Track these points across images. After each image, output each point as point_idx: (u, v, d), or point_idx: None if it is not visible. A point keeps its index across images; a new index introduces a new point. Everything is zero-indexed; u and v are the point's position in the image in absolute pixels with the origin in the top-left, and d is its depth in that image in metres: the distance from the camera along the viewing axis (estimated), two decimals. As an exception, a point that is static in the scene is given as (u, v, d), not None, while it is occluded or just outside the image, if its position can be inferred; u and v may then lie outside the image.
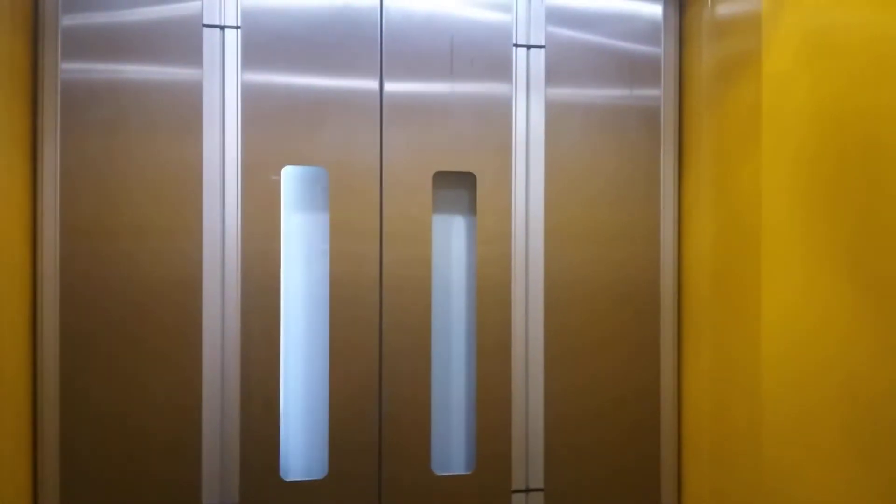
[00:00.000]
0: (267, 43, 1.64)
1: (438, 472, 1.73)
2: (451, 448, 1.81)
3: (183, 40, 1.61)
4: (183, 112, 1.61)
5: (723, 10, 1.66)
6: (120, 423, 1.58)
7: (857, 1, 1.32)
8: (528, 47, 1.78)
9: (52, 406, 1.57)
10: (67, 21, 1.56)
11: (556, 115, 1.77)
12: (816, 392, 1.36)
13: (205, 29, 1.63)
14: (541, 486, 1.77)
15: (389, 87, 1.69)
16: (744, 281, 1.55)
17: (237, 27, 1.65)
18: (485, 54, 1.72)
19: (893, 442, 1.23)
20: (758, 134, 1.49)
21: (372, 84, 1.68)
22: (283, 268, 1.67)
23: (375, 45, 1.68)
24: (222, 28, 1.65)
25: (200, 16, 1.62)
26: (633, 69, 1.79)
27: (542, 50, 1.77)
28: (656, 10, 1.80)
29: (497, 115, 1.74)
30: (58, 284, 1.56)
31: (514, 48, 1.76)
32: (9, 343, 1.47)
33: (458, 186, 1.78)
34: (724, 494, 1.64)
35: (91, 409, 1.57)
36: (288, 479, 1.67)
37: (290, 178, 1.72)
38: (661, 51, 1.81)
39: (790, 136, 1.41)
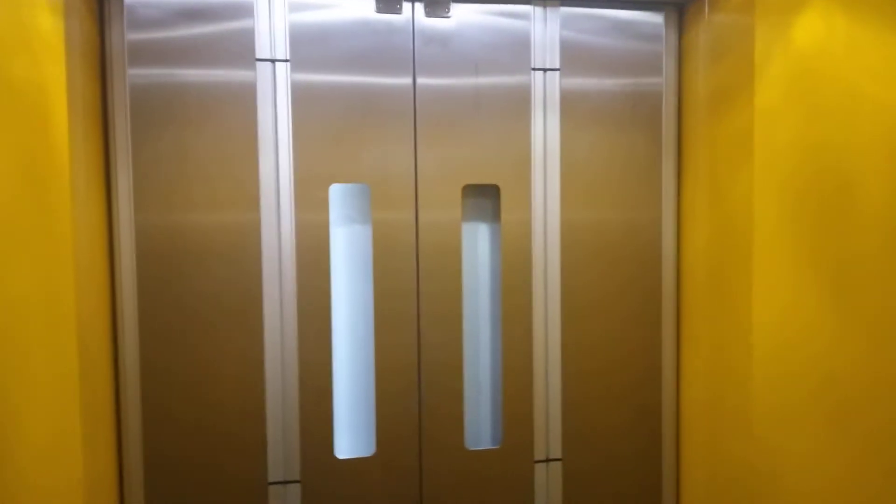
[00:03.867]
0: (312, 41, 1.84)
1: (471, 448, 2.00)
2: (481, 426, 2.09)
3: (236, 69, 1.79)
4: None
5: (718, 33, 1.86)
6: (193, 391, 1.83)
7: (832, 54, 1.56)
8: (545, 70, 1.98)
9: (133, 372, 1.80)
10: (132, 36, 1.74)
11: (570, 130, 1.99)
12: (802, 385, 1.66)
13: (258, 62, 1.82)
14: (559, 456, 2.05)
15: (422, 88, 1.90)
16: (737, 283, 1.79)
17: (286, 60, 1.83)
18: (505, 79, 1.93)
19: (873, 431, 1.53)
20: (751, 158, 1.70)
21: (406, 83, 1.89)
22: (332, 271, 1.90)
23: (408, 54, 1.89)
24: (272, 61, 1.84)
25: (253, 52, 1.80)
26: (636, 99, 2.01)
27: (557, 73, 1.98)
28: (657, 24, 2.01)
29: (518, 132, 1.96)
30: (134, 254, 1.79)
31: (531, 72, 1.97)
32: (93, 300, 1.68)
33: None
34: (719, 473, 1.92)
35: (169, 375, 1.81)
36: (341, 458, 1.92)
37: (337, 193, 1.94)
38: (663, 80, 2.02)
39: (780, 163, 1.65)
